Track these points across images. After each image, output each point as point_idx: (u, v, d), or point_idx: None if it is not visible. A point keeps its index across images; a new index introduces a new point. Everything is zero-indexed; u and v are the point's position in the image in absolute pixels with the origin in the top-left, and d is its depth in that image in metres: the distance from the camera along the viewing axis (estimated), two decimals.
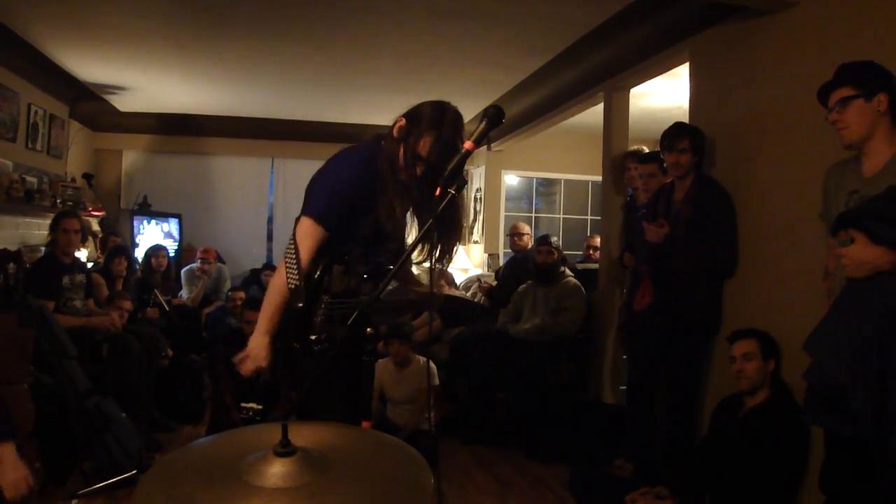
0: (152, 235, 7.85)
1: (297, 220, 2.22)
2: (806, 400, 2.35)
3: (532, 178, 8.95)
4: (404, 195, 2.15)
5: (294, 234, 2.17)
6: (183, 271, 7.10)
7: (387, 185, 2.13)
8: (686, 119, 4.00)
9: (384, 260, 2.25)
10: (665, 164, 3.78)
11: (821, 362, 2.17)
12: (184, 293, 6.92)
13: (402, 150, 2.12)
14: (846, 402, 2.06)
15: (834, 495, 2.38)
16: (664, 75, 4.83)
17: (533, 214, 8.91)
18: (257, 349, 2.18)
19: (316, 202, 2.19)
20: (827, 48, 2.95)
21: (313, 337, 2.10)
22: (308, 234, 2.16)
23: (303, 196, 2.23)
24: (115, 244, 6.10)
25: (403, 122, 2.15)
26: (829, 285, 2.50)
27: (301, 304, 2.10)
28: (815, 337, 2.22)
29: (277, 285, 2.17)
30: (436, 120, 2.10)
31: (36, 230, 5.89)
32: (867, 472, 2.15)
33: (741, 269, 3.49)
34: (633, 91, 5.18)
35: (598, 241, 5.99)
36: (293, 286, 2.09)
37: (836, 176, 2.51)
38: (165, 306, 5.89)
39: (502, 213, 8.58)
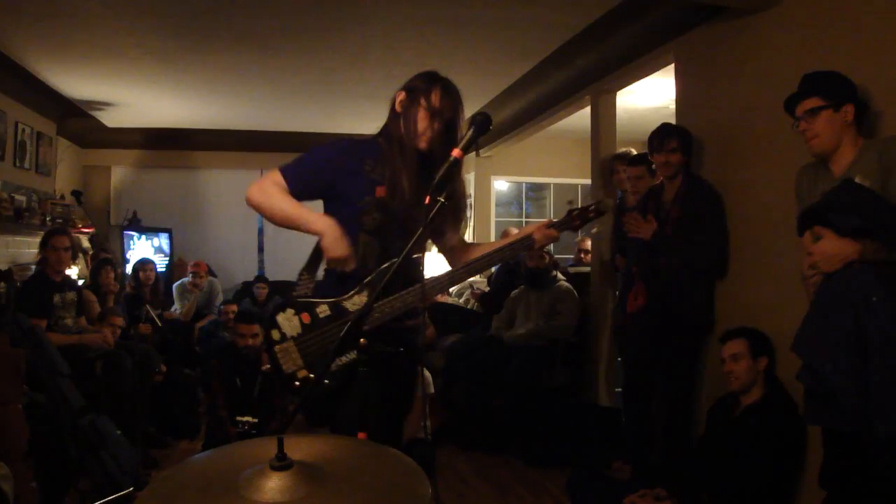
0: (143, 251, 7.82)
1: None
2: (805, 401, 2.36)
3: (521, 183, 8.96)
4: (415, 166, 2.11)
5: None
6: (174, 286, 7.07)
7: (394, 162, 2.09)
8: (672, 119, 4.02)
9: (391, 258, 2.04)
10: (654, 166, 3.79)
11: (808, 361, 2.19)
12: (176, 308, 6.89)
13: (412, 114, 2.14)
14: (836, 397, 2.08)
15: (834, 491, 2.39)
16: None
17: (523, 219, 8.92)
18: (329, 231, 2.00)
19: (290, 164, 2.14)
20: (811, 45, 2.98)
21: (298, 383, 2.03)
22: (273, 179, 2.08)
23: None
24: (102, 258, 6.07)
25: (403, 94, 2.20)
26: (809, 288, 2.50)
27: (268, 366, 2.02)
28: (799, 337, 2.24)
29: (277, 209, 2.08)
30: (433, 77, 2.20)
31: (26, 249, 5.86)
32: (865, 466, 2.17)
33: (733, 268, 3.50)
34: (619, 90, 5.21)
35: (588, 244, 6.01)
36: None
37: (809, 178, 2.56)
38: (157, 321, 5.85)
39: (493, 219, 8.59)
